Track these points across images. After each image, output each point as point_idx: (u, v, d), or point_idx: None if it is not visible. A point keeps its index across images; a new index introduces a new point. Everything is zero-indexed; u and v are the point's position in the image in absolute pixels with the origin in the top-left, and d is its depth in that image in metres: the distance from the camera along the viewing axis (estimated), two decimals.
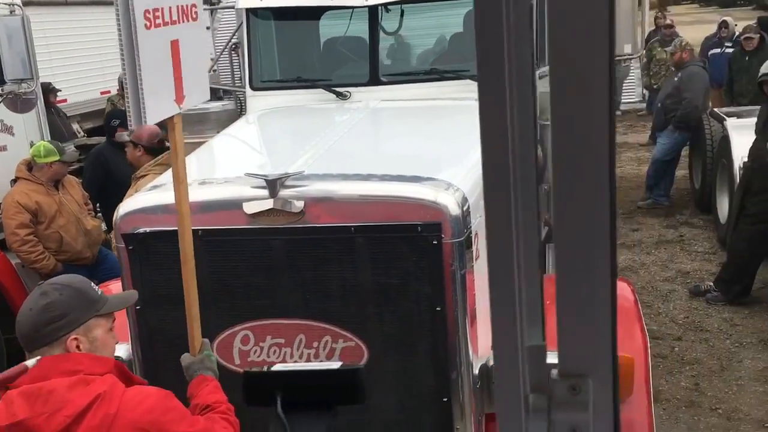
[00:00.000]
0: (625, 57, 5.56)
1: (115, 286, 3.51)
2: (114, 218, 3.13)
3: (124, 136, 5.77)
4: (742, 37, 10.55)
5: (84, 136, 10.26)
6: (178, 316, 2.71)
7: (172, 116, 2.45)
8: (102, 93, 11.00)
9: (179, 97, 2.41)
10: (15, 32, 5.80)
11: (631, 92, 14.62)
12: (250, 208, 2.90)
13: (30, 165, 5.58)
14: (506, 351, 0.60)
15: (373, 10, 4.72)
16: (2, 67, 5.99)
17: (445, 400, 2.93)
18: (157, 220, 2.99)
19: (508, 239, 0.58)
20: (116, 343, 2.42)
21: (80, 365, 2.17)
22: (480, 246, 3.01)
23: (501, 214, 0.57)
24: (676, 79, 8.99)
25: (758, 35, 10.27)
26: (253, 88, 4.97)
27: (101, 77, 10.85)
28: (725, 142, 7.64)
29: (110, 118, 6.93)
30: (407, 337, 2.94)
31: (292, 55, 5.23)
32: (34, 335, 2.19)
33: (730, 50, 11.21)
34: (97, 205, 6.61)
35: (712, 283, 6.63)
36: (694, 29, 19.38)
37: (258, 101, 4.90)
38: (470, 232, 2.86)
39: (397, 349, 2.96)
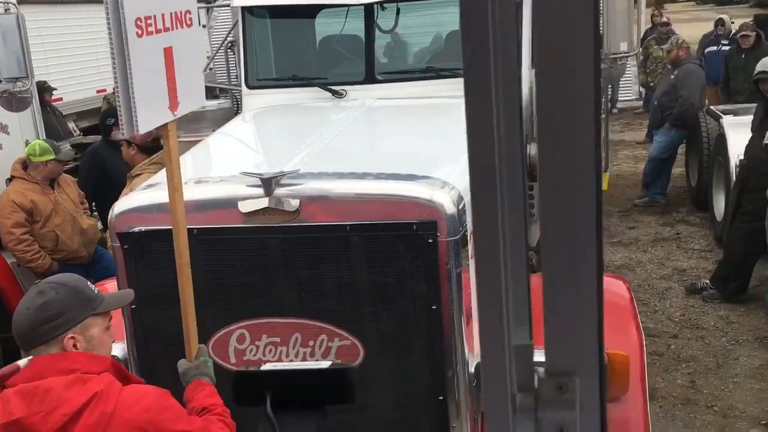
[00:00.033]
0: (621, 55, 5.57)
1: (111, 285, 3.50)
2: (109, 217, 3.13)
3: (119, 134, 5.76)
4: (738, 35, 10.56)
5: (80, 134, 10.25)
6: (173, 315, 2.71)
7: (166, 123, 2.44)
8: (98, 91, 10.99)
9: (173, 105, 2.40)
10: (10, 30, 5.78)
11: (628, 90, 14.65)
12: (245, 206, 2.89)
13: (25, 164, 5.57)
14: (493, 350, 0.60)
15: (368, 8, 4.72)
16: None
17: (441, 398, 2.93)
18: (152, 219, 2.99)
19: (495, 239, 0.58)
20: (113, 341, 2.42)
21: (77, 364, 2.17)
22: None
23: (488, 214, 0.57)
24: (672, 76, 9.00)
25: (754, 33, 10.28)
26: (249, 87, 4.97)
27: (97, 75, 10.83)
28: (721, 139, 7.65)
29: (106, 117, 6.91)
30: (403, 336, 2.94)
31: (288, 53, 5.22)
32: (30, 334, 2.19)
33: (727, 48, 11.23)
34: (93, 204, 6.60)
35: (708, 281, 6.65)
36: (691, 27, 19.41)
37: (254, 99, 4.90)
38: (466, 231, 2.86)
39: (393, 347, 2.96)
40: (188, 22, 2.48)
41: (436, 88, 4.49)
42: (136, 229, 3.02)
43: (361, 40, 4.78)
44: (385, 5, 4.73)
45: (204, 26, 9.04)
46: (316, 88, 4.72)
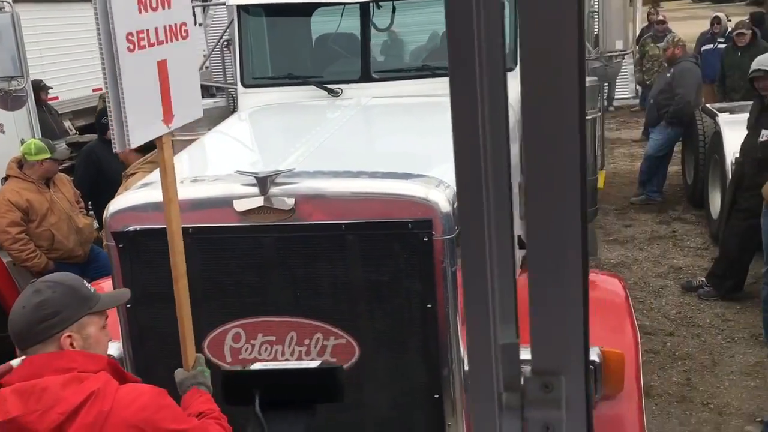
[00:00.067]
0: (617, 53, 5.57)
1: (107, 284, 3.50)
2: (104, 216, 3.13)
3: None
4: (734, 33, 10.57)
5: (76, 133, 10.22)
6: (168, 314, 2.71)
7: (161, 136, 2.44)
8: (94, 90, 10.97)
9: (168, 117, 2.39)
10: (5, 29, 5.77)
11: (624, 88, 14.69)
12: (240, 205, 2.89)
13: (21, 163, 5.56)
14: (480, 349, 0.61)
15: (364, 7, 4.71)
16: None
17: (437, 396, 2.93)
18: (147, 218, 2.99)
19: (481, 238, 0.58)
20: (109, 340, 2.42)
21: (74, 363, 2.17)
22: None
23: (474, 214, 0.57)
24: (668, 74, 9.01)
25: (750, 31, 10.30)
26: (245, 85, 4.96)
27: (93, 74, 10.80)
28: (717, 137, 7.66)
29: (102, 116, 6.89)
30: (398, 334, 2.95)
31: (284, 51, 5.22)
32: (27, 333, 2.19)
33: (723, 46, 11.24)
34: (89, 202, 6.59)
35: (704, 279, 6.66)
36: (687, 25, 19.43)
37: (249, 98, 4.89)
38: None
39: (388, 346, 2.97)
40: (183, 35, 2.47)
41: (432, 87, 4.49)
42: (132, 228, 3.01)
43: (357, 38, 4.78)
44: (380, 3, 4.73)
45: (200, 25, 9.04)
46: (312, 87, 4.71)
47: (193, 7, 5.19)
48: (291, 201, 2.86)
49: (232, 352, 3.05)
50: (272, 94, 4.79)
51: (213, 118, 5.28)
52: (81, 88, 10.90)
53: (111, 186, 5.18)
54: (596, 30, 6.06)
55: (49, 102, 9.63)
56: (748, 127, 6.37)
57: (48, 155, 5.50)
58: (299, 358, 2.99)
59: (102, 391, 2.10)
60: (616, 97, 14.51)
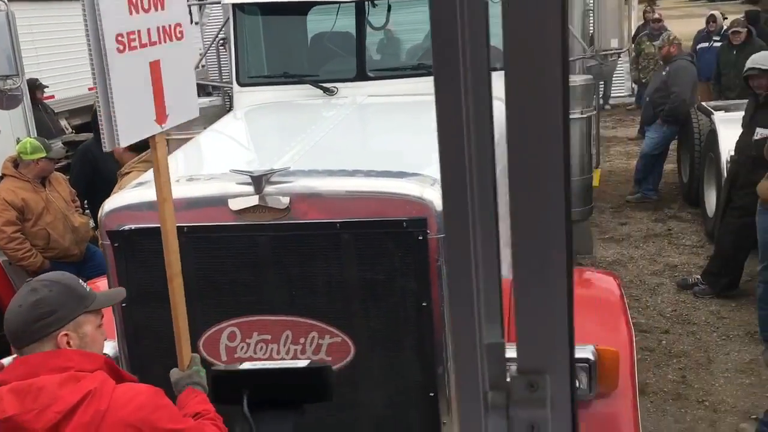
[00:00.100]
0: (612, 51, 5.58)
1: (102, 284, 3.49)
2: (99, 215, 3.12)
3: None
4: (729, 31, 10.58)
5: (72, 132, 10.21)
6: (163, 312, 2.70)
7: (154, 135, 2.43)
8: (90, 89, 10.93)
9: (161, 117, 2.38)
10: (0, 28, 5.75)
11: (620, 86, 14.71)
12: (235, 204, 2.89)
13: (16, 162, 5.55)
14: (465, 349, 0.61)
15: (360, 5, 4.71)
16: None
17: (432, 395, 2.94)
18: (142, 217, 2.99)
19: (466, 238, 0.58)
20: (105, 339, 2.42)
21: (70, 362, 2.16)
22: None
23: (458, 214, 0.58)
24: (664, 73, 9.02)
25: (746, 29, 10.31)
26: (240, 84, 4.96)
27: (89, 73, 10.72)
28: (713, 135, 7.67)
29: (98, 114, 6.89)
30: (394, 333, 2.95)
31: (279, 50, 5.22)
32: (23, 332, 2.18)
33: (718, 44, 11.26)
34: (85, 201, 6.59)
35: (699, 276, 6.68)
36: (683, 23, 19.45)
37: (245, 97, 4.89)
38: None
39: (383, 344, 2.97)
40: (178, 35, 2.47)
41: (427, 85, 4.43)
42: (126, 227, 3.01)
43: (353, 37, 4.78)
44: (376, 2, 4.73)
45: (196, 23, 9.01)
46: (308, 86, 4.71)
47: (189, 6, 5.18)
48: (286, 200, 2.86)
49: (228, 351, 3.05)
50: (268, 93, 4.79)
51: (208, 117, 5.28)
52: (77, 87, 10.88)
53: (107, 185, 5.17)
54: (592, 28, 6.06)
55: (45, 101, 9.61)
56: (743, 126, 6.39)
57: (44, 154, 5.49)
58: (294, 357, 2.99)
59: (99, 390, 2.10)
60: (611, 95, 14.53)
